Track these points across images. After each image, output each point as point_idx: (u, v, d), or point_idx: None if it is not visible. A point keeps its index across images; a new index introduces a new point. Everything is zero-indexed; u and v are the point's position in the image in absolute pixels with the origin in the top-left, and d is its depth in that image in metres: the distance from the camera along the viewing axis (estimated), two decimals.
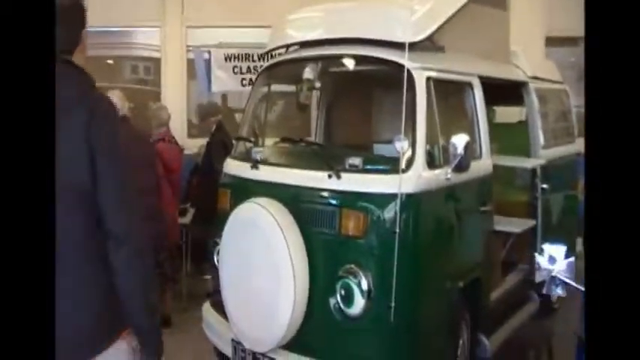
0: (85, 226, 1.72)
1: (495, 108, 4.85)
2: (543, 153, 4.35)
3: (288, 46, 3.67)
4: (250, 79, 6.55)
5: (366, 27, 3.15)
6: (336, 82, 3.50)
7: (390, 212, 2.80)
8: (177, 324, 4.79)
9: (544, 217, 4.28)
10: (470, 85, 3.43)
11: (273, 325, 2.94)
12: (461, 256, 3.32)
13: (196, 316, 3.89)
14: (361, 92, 3.54)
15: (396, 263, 2.72)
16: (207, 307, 3.64)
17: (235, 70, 6.83)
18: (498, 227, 3.74)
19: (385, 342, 2.86)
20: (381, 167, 3.00)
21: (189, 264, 5.74)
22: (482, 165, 3.41)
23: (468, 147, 2.91)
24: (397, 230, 2.73)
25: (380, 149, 3.34)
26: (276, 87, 3.85)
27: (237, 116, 7.40)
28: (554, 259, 1.82)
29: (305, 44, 3.53)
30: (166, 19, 7.44)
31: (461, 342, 3.31)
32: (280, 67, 3.62)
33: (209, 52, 6.83)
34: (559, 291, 1.84)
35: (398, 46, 2.99)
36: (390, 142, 3.00)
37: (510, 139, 4.41)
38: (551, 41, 7.33)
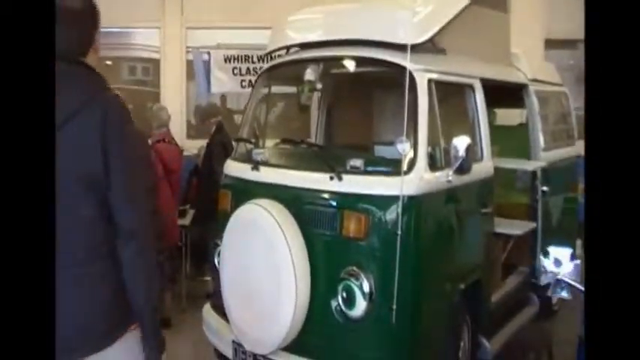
0: (97, 223, 1.77)
1: (496, 110, 4.84)
2: (544, 155, 4.35)
3: (288, 48, 3.66)
4: (250, 81, 6.56)
5: (367, 28, 3.15)
6: (337, 84, 3.49)
7: (391, 214, 2.79)
8: (177, 325, 4.78)
9: (544, 220, 4.29)
10: (471, 87, 3.43)
11: (275, 327, 2.93)
12: (462, 258, 3.32)
13: (196, 317, 3.88)
14: (362, 94, 3.54)
15: (397, 265, 2.71)
16: (207, 309, 3.63)
17: (235, 72, 6.84)
18: (499, 229, 3.73)
19: (386, 344, 2.85)
20: (382, 169, 3.00)
21: (188, 265, 5.72)
22: (483, 167, 3.41)
23: (469, 149, 2.91)
24: (399, 232, 2.73)
25: (380, 151, 3.34)
26: (276, 88, 3.84)
27: (236, 117, 7.41)
28: (560, 262, 1.81)
29: (305, 45, 3.53)
30: (166, 20, 7.45)
31: (462, 344, 3.31)
32: (281, 69, 3.61)
33: (208, 54, 6.83)
34: (564, 294, 1.83)
35: (399, 47, 2.99)
36: (390, 143, 3.00)
37: (511, 141, 4.41)
38: (549, 43, 7.34)
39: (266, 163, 3.30)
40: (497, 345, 3.63)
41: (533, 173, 4.26)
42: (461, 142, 2.90)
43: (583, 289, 1.82)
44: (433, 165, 2.97)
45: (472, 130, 3.41)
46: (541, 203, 4.26)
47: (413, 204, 2.82)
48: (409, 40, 2.84)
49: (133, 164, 1.84)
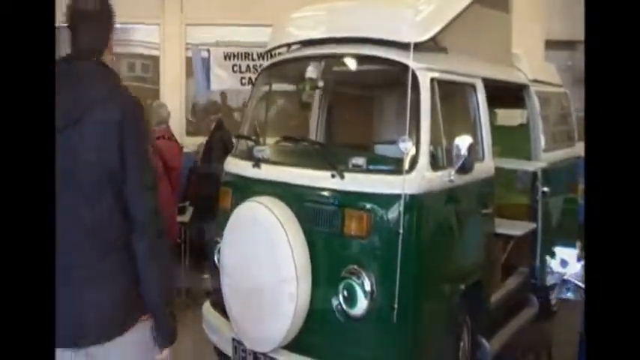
0: (113, 216, 1.85)
1: (496, 111, 4.83)
2: (544, 156, 4.34)
3: (289, 45, 3.65)
4: (250, 78, 6.54)
5: (369, 26, 3.13)
6: (338, 82, 3.48)
7: (393, 213, 2.79)
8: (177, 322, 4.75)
9: (544, 221, 4.28)
10: (473, 87, 3.42)
11: (275, 325, 2.92)
12: (463, 258, 3.31)
13: (196, 314, 3.87)
14: (363, 92, 3.53)
15: (399, 264, 2.71)
16: (207, 307, 3.61)
17: (235, 69, 6.82)
18: (499, 230, 3.73)
19: (387, 343, 2.85)
20: (384, 167, 2.99)
21: (187, 262, 5.71)
22: (485, 167, 3.40)
23: (471, 149, 2.90)
24: (401, 231, 2.72)
25: (381, 150, 3.33)
26: (277, 86, 3.82)
27: (236, 115, 7.39)
28: (567, 263, 1.81)
29: (307, 43, 3.51)
30: (165, 16, 7.42)
31: (462, 344, 3.30)
32: (282, 66, 3.60)
33: (208, 51, 6.81)
34: (570, 295, 1.83)
35: (401, 46, 2.98)
36: (391, 142, 2.99)
37: (511, 141, 4.41)
38: (548, 44, 7.34)
39: (267, 161, 3.29)
40: (497, 345, 3.63)
41: (534, 174, 4.25)
42: (463, 142, 2.89)
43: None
44: (435, 164, 2.97)
45: (473, 130, 3.40)
46: (541, 204, 4.26)
47: (415, 203, 2.81)
48: (412, 38, 2.83)
49: (148, 160, 1.94)
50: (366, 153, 3.12)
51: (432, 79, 2.98)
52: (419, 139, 2.87)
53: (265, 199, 3.02)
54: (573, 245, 1.97)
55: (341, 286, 2.83)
